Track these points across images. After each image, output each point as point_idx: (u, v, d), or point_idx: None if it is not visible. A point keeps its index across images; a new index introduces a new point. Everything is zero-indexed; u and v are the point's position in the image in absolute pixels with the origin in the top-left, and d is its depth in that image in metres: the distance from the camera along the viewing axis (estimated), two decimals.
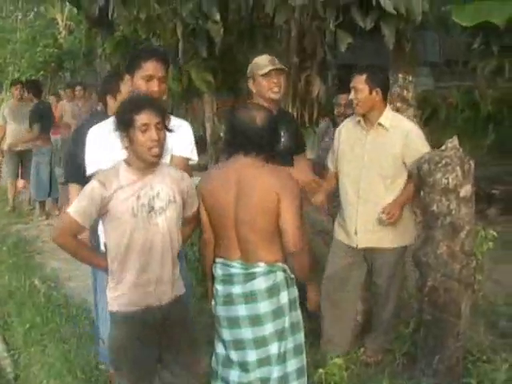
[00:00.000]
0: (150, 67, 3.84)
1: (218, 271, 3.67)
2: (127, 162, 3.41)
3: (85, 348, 5.19)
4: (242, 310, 3.57)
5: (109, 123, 3.61)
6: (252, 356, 3.55)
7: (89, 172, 3.83)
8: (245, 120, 3.55)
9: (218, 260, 3.68)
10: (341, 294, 4.83)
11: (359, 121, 4.74)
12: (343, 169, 4.85)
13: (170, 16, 8.04)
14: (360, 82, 4.60)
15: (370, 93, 4.59)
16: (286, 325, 3.58)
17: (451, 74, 10.98)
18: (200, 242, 3.90)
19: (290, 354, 3.60)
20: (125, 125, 3.32)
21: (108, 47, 11.79)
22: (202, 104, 9.60)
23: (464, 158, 4.25)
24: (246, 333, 3.56)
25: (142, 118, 3.30)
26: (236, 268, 3.58)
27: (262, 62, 4.64)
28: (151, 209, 3.36)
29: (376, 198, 4.67)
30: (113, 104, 4.57)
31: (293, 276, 3.61)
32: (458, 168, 4.18)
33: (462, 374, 4.52)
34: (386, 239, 4.69)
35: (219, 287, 3.66)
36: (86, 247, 3.60)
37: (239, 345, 3.59)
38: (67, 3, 14.66)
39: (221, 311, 3.65)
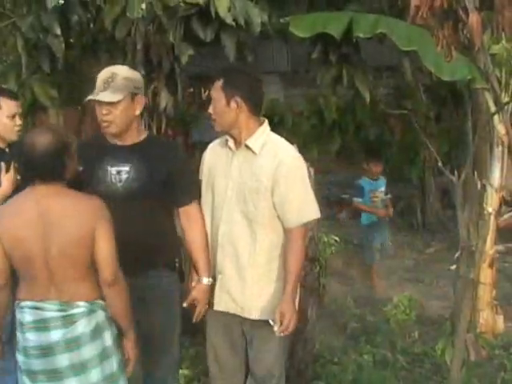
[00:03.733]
0: None
1: (27, 317, 3.16)
2: None
3: None
4: (64, 360, 3.13)
5: None
6: None
7: None
8: (27, 145, 3.13)
9: (24, 304, 3.18)
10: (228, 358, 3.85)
11: (227, 140, 3.64)
12: (207, 204, 3.70)
13: (10, 30, 7.77)
14: (215, 89, 3.53)
15: (228, 103, 3.49)
16: (115, 368, 3.26)
17: (299, 82, 11.27)
18: None
19: None
20: None
21: None
22: (47, 119, 9.37)
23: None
24: None
25: None
26: (52, 311, 3.15)
27: (97, 82, 3.53)
28: None
29: (237, 247, 3.57)
30: None
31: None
32: None
33: (312, 377, 4.65)
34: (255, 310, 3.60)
35: (31, 336, 3.14)
36: None
37: None
38: None
39: (36, 365, 3.14)
